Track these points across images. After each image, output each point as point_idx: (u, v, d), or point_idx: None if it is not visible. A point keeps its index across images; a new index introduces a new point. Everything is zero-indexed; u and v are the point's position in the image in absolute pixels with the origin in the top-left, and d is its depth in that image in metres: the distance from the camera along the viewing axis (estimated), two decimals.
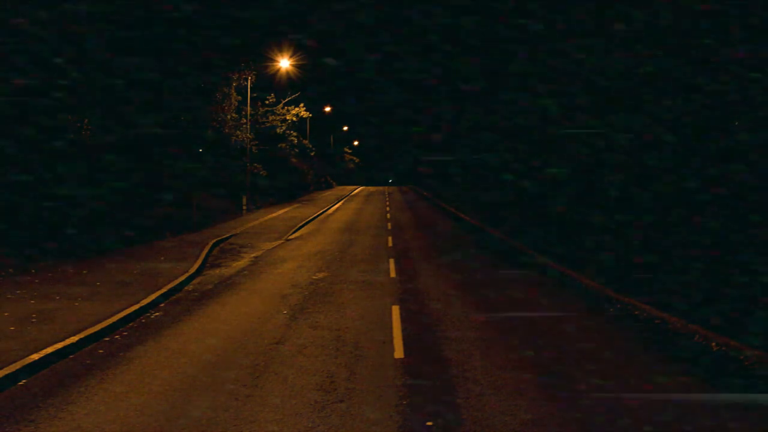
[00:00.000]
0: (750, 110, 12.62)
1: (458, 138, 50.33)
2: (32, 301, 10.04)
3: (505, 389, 6.59)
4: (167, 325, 9.36)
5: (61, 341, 7.86)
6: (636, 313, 9.97)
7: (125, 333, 8.90)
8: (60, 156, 16.79)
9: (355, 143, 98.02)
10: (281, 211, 32.66)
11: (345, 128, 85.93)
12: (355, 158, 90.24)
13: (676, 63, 14.26)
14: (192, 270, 13.69)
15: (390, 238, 21.19)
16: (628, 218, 14.91)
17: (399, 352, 7.90)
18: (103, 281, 12.03)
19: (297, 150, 46.93)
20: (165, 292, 11.33)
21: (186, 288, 12.39)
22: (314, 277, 13.52)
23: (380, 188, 71.79)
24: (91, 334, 8.37)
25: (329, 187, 66.32)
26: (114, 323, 9.03)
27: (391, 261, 15.88)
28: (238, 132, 32.80)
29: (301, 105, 39.92)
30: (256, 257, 16.79)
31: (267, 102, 38.70)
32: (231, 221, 26.43)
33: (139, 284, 11.87)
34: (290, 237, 21.80)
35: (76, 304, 10.01)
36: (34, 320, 8.87)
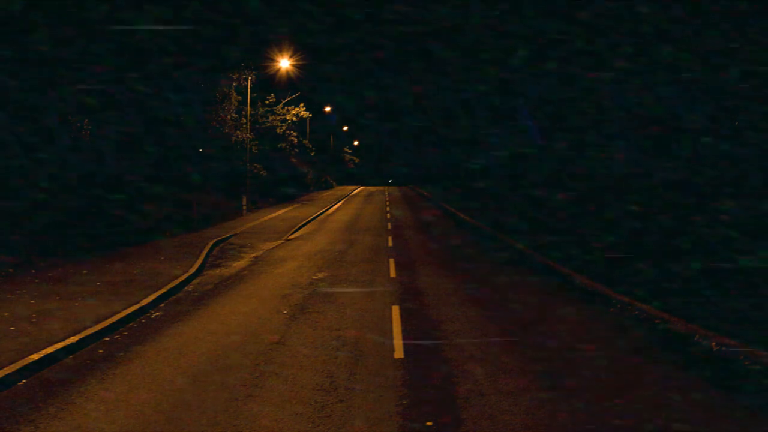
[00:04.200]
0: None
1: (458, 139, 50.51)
2: (32, 301, 10.04)
3: (505, 389, 6.58)
4: (167, 326, 9.36)
5: (61, 341, 7.86)
6: (636, 313, 9.96)
7: (125, 333, 8.90)
8: (60, 156, 16.80)
9: (355, 143, 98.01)
10: (281, 211, 32.66)
11: (345, 128, 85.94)
12: (355, 158, 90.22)
13: None
14: (192, 270, 13.69)
15: (390, 238, 21.19)
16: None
17: (399, 352, 7.90)
18: (103, 281, 12.03)
19: (297, 150, 46.91)
20: (165, 293, 11.32)
21: (186, 288, 12.39)
22: (314, 277, 13.52)
23: (380, 188, 71.79)
24: (91, 334, 8.37)
25: (329, 187, 66.33)
26: (114, 323, 9.03)
27: (391, 261, 15.88)
28: (238, 132, 32.81)
29: (301, 105, 39.93)
30: (256, 257, 16.78)
31: (267, 102, 38.70)
32: (231, 221, 26.43)
33: (139, 284, 11.87)
34: (290, 237, 21.80)
35: (76, 304, 10.01)
36: (34, 320, 8.86)
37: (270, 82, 37.54)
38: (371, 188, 70.84)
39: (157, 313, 10.14)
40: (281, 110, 39.60)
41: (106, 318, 9.14)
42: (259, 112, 38.09)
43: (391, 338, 8.58)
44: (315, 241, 20.75)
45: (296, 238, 21.50)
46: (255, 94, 35.06)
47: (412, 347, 8.14)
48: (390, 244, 19.77)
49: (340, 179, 78.60)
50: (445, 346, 8.21)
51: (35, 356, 7.25)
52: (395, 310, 10.32)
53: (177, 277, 12.71)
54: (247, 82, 31.54)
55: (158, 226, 20.22)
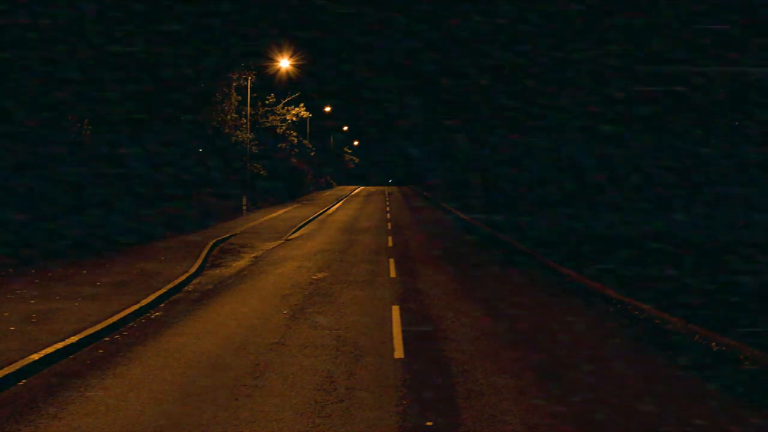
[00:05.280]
0: None
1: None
2: (32, 301, 10.04)
3: (505, 389, 6.58)
4: (167, 325, 9.36)
5: (61, 341, 7.86)
6: (635, 313, 9.96)
7: (125, 333, 8.90)
8: (59, 156, 16.80)
9: (355, 143, 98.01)
10: (281, 211, 32.66)
11: (345, 128, 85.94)
12: (355, 158, 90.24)
13: None
14: (192, 270, 13.69)
15: (390, 238, 21.19)
16: None
17: (399, 352, 7.90)
18: (103, 281, 12.03)
19: (297, 150, 46.92)
20: (165, 292, 11.32)
21: (186, 288, 12.39)
22: (314, 277, 13.52)
23: (380, 188, 71.78)
24: (91, 334, 8.37)
25: (329, 187, 66.34)
26: (114, 323, 9.03)
27: (391, 261, 15.88)
28: (238, 132, 32.80)
29: (301, 105, 39.92)
30: (256, 257, 16.78)
31: (267, 102, 38.69)
32: (231, 221, 26.43)
33: (139, 284, 11.87)
34: (290, 237, 21.80)
35: (76, 304, 10.01)
36: (34, 320, 8.86)
37: (270, 82, 37.58)
38: (371, 188, 70.82)
39: (157, 313, 10.14)
40: (281, 110, 39.60)
41: (106, 318, 9.14)
42: (259, 112, 38.09)
43: (391, 338, 8.58)
44: (315, 241, 20.75)
45: (296, 238, 21.50)
46: (255, 94, 35.06)
47: (412, 347, 8.14)
48: (390, 244, 19.77)
49: (340, 179, 78.61)
50: (445, 346, 8.21)
51: (35, 356, 7.24)
52: (395, 310, 10.32)
53: (177, 277, 12.71)
54: (247, 82, 31.54)
55: (158, 226, 20.21)
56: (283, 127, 39.93)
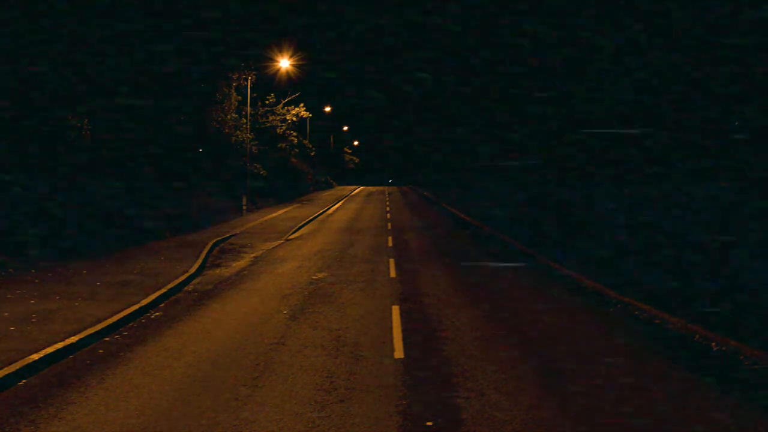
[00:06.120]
0: None
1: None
2: (32, 301, 10.04)
3: (505, 388, 6.58)
4: (167, 325, 9.36)
5: (61, 341, 7.86)
6: (636, 313, 9.96)
7: (125, 333, 8.90)
8: (59, 156, 16.81)
9: (355, 143, 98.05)
10: (281, 211, 32.67)
11: (345, 128, 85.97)
12: (355, 158, 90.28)
13: None
14: (192, 270, 13.69)
15: (390, 238, 21.19)
16: None
17: (399, 352, 7.90)
18: (103, 281, 12.03)
19: (297, 150, 46.94)
20: (165, 292, 11.32)
21: (186, 288, 12.39)
22: (314, 277, 13.52)
23: (380, 188, 71.80)
24: (91, 334, 8.37)
25: (329, 187, 66.33)
26: (114, 323, 9.03)
27: (391, 261, 15.88)
28: (238, 132, 32.81)
29: (301, 105, 39.94)
30: (256, 257, 16.79)
31: (267, 102, 38.71)
32: (231, 221, 26.44)
33: (139, 284, 11.87)
34: (290, 237, 21.80)
35: (76, 304, 10.01)
36: (34, 320, 8.87)
37: (270, 82, 37.61)
38: (371, 188, 70.82)
39: (157, 313, 10.14)
40: (281, 110, 39.61)
41: (106, 318, 9.15)
42: (259, 112, 38.11)
43: (391, 338, 8.58)
44: (315, 241, 20.75)
45: (296, 238, 21.50)
46: (255, 94, 35.07)
47: (412, 347, 8.14)
48: (390, 244, 19.77)
49: (340, 179, 78.63)
50: (445, 346, 8.21)
51: (35, 356, 7.24)
52: (395, 310, 10.32)
53: (177, 277, 12.71)
54: (247, 82, 31.55)
55: (158, 226, 20.21)
56: (283, 127, 39.95)
